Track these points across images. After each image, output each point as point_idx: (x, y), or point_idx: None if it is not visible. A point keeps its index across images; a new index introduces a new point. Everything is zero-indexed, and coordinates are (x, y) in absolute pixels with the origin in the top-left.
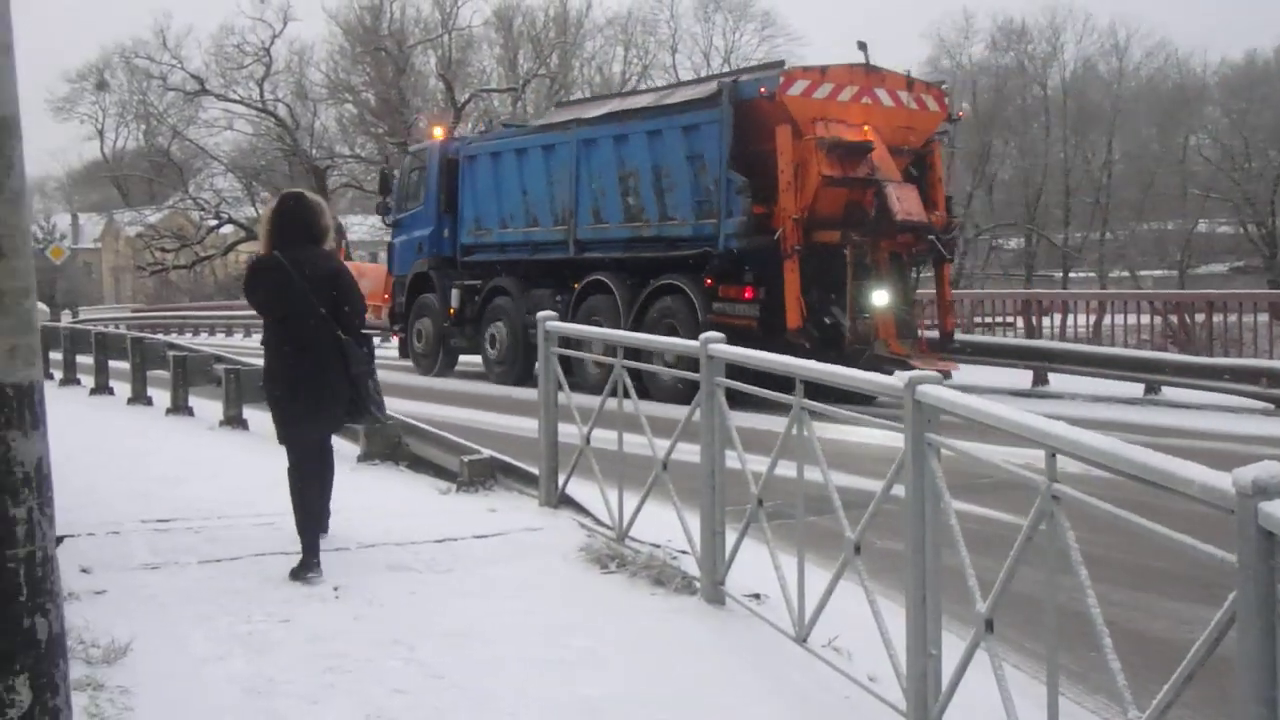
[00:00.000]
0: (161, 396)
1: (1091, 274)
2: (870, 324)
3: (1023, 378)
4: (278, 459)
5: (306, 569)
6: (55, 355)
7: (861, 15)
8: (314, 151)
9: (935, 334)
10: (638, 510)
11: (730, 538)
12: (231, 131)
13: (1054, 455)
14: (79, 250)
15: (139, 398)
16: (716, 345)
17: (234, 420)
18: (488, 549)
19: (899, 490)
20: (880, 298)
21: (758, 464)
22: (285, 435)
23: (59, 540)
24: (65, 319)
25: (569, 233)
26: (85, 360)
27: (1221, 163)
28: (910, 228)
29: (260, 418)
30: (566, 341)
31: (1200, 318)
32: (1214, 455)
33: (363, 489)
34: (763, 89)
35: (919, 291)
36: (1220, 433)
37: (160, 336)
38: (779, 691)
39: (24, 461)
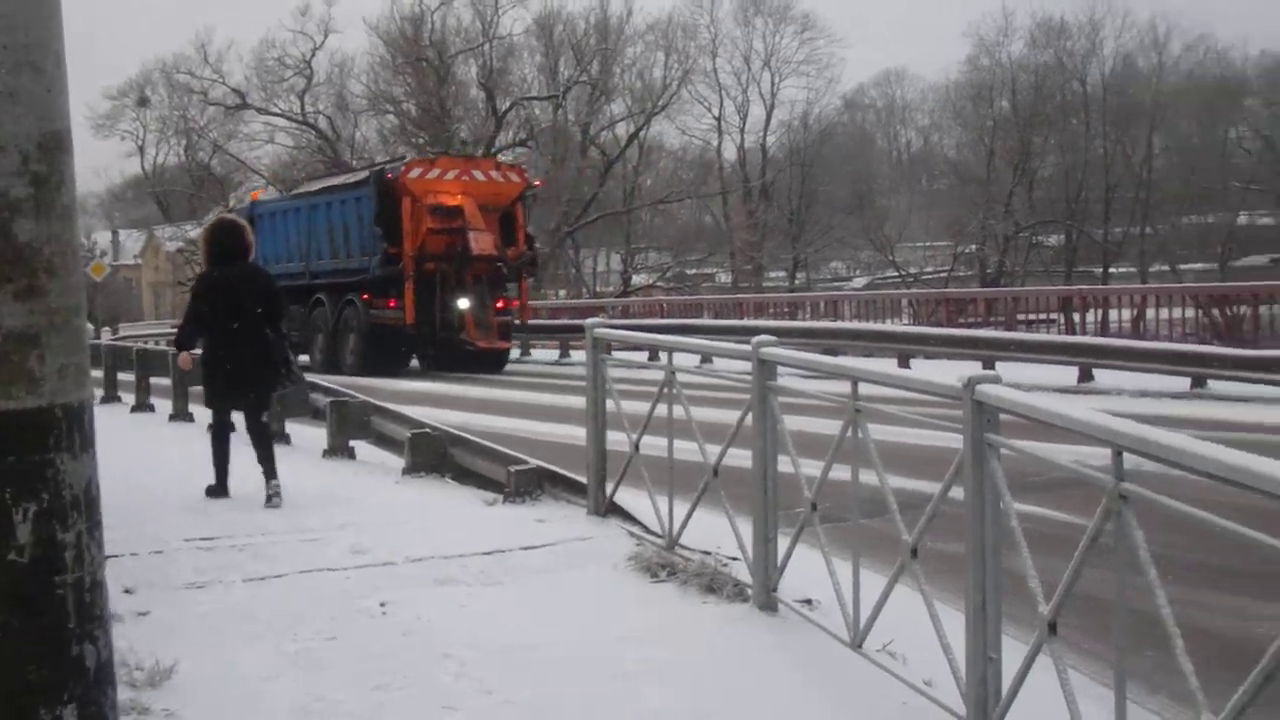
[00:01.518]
0: (203, 413)
1: (1132, 269)
2: (456, 319)
3: (1068, 374)
4: (321, 474)
5: (218, 495)
6: (96, 373)
7: (902, 14)
8: (355, 163)
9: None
10: (688, 518)
11: (782, 543)
12: (273, 145)
13: (1120, 453)
14: (119, 266)
15: (180, 414)
16: (769, 348)
17: (276, 436)
18: (537, 560)
19: (956, 492)
20: (463, 303)
21: (810, 468)
22: (214, 406)
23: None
24: (105, 336)
25: (306, 266)
26: (126, 377)
27: (1263, 154)
28: (483, 259)
29: (300, 431)
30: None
31: (1244, 309)
32: (1268, 447)
33: (409, 503)
34: (389, 175)
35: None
36: (1272, 425)
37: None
38: (835, 698)
39: (73, 484)
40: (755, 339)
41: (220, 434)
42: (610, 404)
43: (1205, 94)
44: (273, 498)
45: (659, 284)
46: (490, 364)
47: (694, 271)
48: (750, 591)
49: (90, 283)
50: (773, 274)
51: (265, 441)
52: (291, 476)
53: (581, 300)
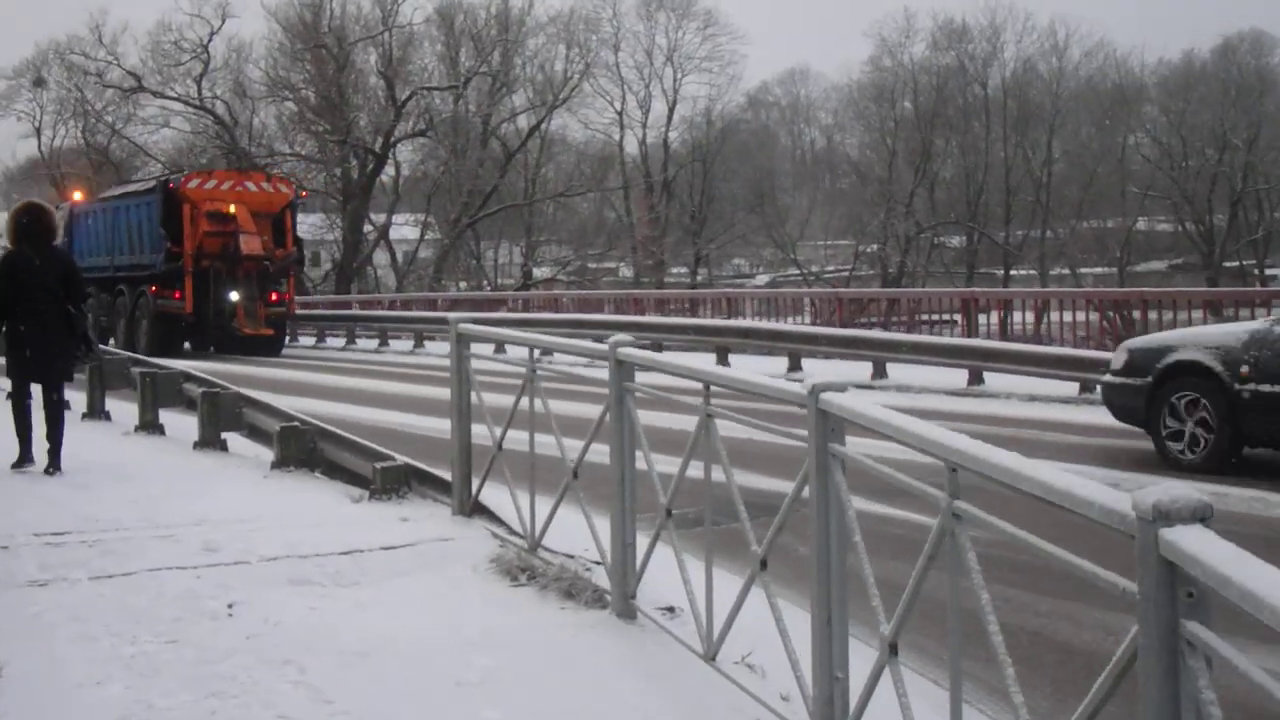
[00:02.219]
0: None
1: (1033, 271)
2: (229, 309)
3: (959, 377)
4: (187, 468)
5: (23, 464)
6: None
7: (802, 13)
8: (253, 149)
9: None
10: (549, 520)
11: (643, 546)
12: (169, 129)
13: (955, 470)
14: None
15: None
16: (626, 349)
17: (149, 425)
18: (396, 561)
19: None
20: (234, 295)
21: (669, 465)
22: (14, 378)
23: None
24: None
25: (111, 260)
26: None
27: (1160, 161)
28: (251, 258)
29: (175, 420)
30: None
31: (1137, 314)
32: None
33: (271, 496)
34: (171, 184)
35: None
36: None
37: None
38: (686, 715)
39: None
40: (612, 339)
41: (20, 405)
42: (475, 399)
43: (1104, 100)
44: (50, 469)
45: (560, 278)
46: (264, 348)
47: (595, 266)
48: (609, 598)
49: None
50: (675, 270)
51: (58, 417)
52: (155, 470)
53: (481, 293)
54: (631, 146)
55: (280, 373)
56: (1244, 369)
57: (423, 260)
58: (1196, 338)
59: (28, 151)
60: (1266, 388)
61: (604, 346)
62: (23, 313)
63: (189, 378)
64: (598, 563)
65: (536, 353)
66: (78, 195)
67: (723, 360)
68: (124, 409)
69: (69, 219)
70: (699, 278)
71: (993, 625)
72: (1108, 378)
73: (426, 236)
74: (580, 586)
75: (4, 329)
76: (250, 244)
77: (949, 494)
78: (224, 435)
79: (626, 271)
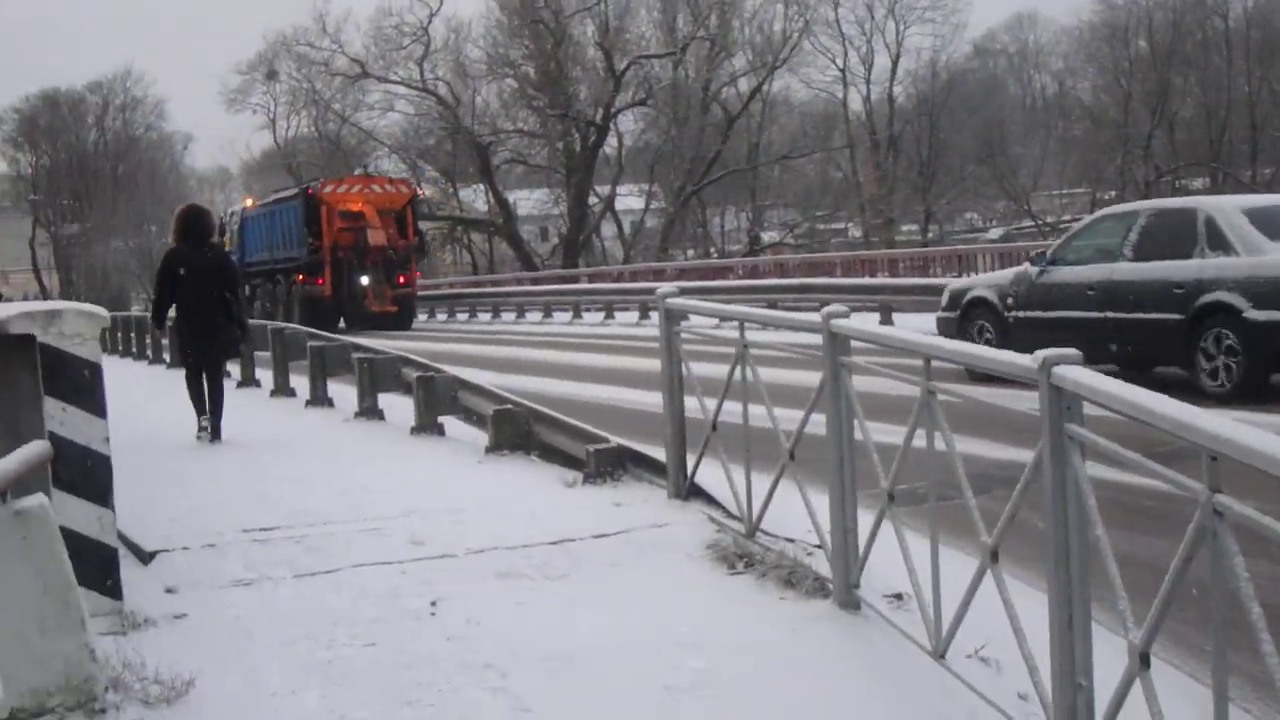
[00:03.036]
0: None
1: None
2: (360, 292)
3: None
4: (401, 454)
5: (202, 431)
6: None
7: None
8: (476, 128)
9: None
10: (766, 502)
11: (864, 529)
12: (394, 113)
13: (1215, 459)
14: None
15: (281, 390)
16: (840, 320)
17: (369, 411)
18: (608, 550)
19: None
20: (364, 280)
21: (888, 435)
22: (184, 361)
23: (151, 556)
24: None
25: (270, 255)
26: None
27: None
28: (377, 248)
29: (391, 401)
30: None
31: None
32: None
33: (483, 483)
34: (310, 190)
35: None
36: None
37: (296, 326)
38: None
39: None
40: (825, 309)
41: (191, 381)
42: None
43: None
44: (202, 433)
45: (787, 241)
46: (391, 323)
47: (823, 228)
48: (831, 586)
49: None
50: (905, 227)
51: (218, 392)
52: (369, 459)
53: (706, 261)
54: (855, 103)
55: (497, 350)
56: (1009, 300)
57: (649, 230)
58: (986, 279)
59: (261, 144)
60: (1023, 314)
61: (817, 318)
62: (183, 301)
63: (407, 362)
64: (818, 546)
65: (747, 330)
66: (248, 202)
67: None
68: (346, 395)
69: (241, 222)
70: (930, 234)
71: (1266, 641)
72: (939, 313)
73: (651, 206)
74: (800, 574)
75: (172, 316)
76: (376, 236)
77: (1208, 487)
78: (440, 419)
79: (855, 232)
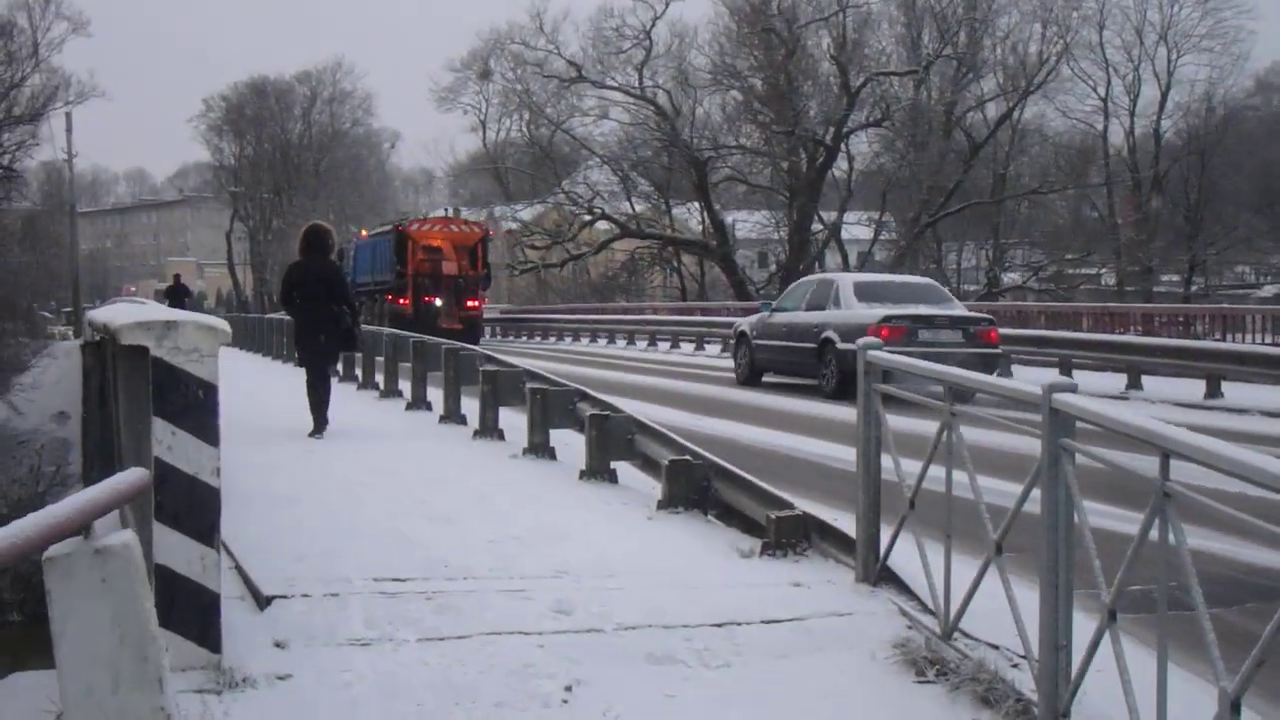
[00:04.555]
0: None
1: None
2: (434, 311)
3: None
4: (566, 502)
5: (318, 430)
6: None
7: None
8: (695, 141)
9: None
10: (967, 600)
11: (1080, 645)
12: (609, 121)
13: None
14: None
15: (450, 415)
16: (1064, 396)
17: (539, 448)
18: (779, 639)
19: None
20: (438, 302)
21: (1113, 522)
22: (306, 364)
23: (268, 601)
24: None
25: (372, 278)
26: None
27: None
28: (449, 277)
29: (567, 438)
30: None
31: None
32: None
33: (648, 544)
34: (400, 227)
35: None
36: None
37: (475, 349)
38: None
39: None
40: (1047, 382)
41: (313, 384)
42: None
43: None
44: (314, 433)
45: (1030, 285)
46: (458, 339)
47: (1073, 272)
48: (1036, 712)
49: None
50: (1165, 277)
51: (327, 388)
52: (529, 504)
53: None
54: (1116, 137)
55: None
56: (755, 333)
57: (877, 263)
58: (747, 320)
59: (468, 146)
60: (760, 341)
61: (1036, 390)
62: (304, 309)
63: (583, 396)
64: (1023, 657)
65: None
66: (363, 232)
67: (1213, 390)
68: (516, 424)
69: (354, 249)
70: (1194, 287)
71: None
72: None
73: (881, 237)
74: (1000, 693)
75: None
76: (449, 267)
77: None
78: (613, 464)
79: (1109, 279)
